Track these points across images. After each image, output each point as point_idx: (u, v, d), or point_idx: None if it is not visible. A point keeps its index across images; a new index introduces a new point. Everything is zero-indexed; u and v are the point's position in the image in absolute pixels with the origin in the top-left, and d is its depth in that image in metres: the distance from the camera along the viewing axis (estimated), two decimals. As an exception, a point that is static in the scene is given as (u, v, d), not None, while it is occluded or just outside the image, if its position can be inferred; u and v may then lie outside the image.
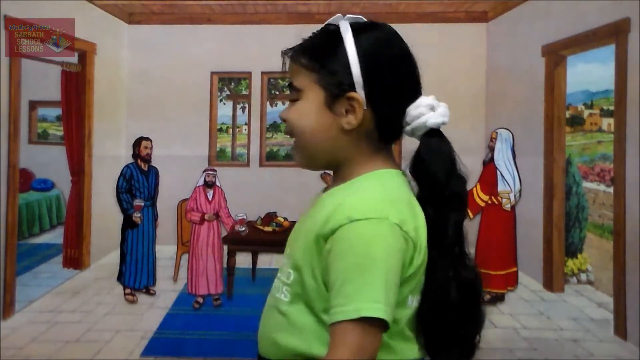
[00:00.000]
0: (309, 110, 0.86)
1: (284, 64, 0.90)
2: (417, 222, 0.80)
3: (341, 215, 0.77)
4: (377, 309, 0.72)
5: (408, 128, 0.86)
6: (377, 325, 0.73)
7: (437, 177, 0.83)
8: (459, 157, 0.87)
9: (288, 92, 0.90)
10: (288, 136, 0.90)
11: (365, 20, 0.89)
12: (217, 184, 3.24)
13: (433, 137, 0.85)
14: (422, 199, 0.84)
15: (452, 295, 0.81)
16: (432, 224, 0.82)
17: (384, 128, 0.86)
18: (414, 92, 0.87)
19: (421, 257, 0.80)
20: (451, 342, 0.83)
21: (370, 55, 0.84)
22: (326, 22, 0.89)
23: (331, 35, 0.86)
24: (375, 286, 0.73)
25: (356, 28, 0.86)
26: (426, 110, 0.85)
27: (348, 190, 0.84)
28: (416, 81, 0.88)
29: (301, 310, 0.82)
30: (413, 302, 0.82)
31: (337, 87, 0.85)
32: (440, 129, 0.85)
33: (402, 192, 0.84)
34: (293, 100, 0.88)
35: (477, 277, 0.85)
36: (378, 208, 0.78)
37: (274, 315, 0.86)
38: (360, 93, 0.84)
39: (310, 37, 0.89)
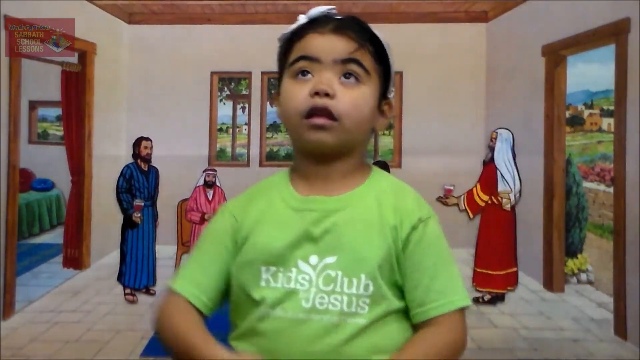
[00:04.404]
0: (369, 98, 0.85)
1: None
2: None
3: (415, 212, 0.84)
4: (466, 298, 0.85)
5: None
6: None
7: None
8: None
9: (337, 62, 0.83)
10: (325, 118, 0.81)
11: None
12: (217, 184, 3.24)
13: None
14: None
15: None
16: None
17: None
18: None
19: None
20: None
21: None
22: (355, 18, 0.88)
23: (379, 38, 0.88)
24: (457, 277, 0.86)
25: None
26: None
27: (385, 182, 0.88)
28: None
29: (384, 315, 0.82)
30: None
31: (386, 88, 0.89)
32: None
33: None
34: (347, 75, 0.83)
35: None
36: (428, 206, 0.87)
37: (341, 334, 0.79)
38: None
39: (363, 24, 0.87)
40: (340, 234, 0.81)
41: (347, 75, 0.83)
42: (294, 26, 0.88)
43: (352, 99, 0.82)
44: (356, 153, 0.87)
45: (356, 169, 0.87)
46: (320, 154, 0.84)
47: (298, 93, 0.83)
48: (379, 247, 0.81)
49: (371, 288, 0.79)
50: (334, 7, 0.87)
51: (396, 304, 0.82)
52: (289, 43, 0.88)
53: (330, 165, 0.85)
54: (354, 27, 0.85)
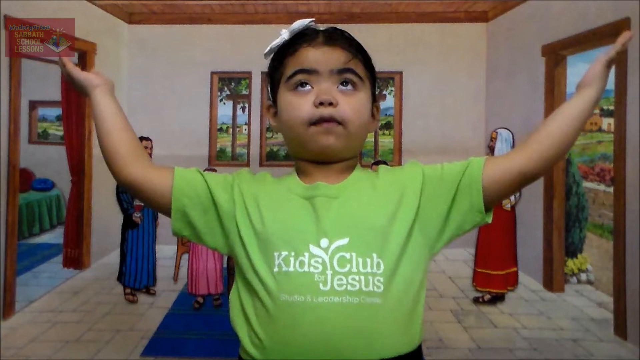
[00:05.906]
0: (366, 103, 0.90)
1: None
2: None
3: (407, 168, 0.93)
4: None
5: None
6: None
7: None
8: None
9: (334, 73, 0.87)
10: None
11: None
12: (217, 184, 3.23)
13: None
14: None
15: None
16: None
17: None
18: None
19: None
20: None
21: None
22: (336, 29, 0.92)
23: (364, 47, 0.93)
24: None
25: None
26: None
27: (363, 170, 0.95)
28: None
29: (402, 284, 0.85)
30: None
31: (374, 93, 0.94)
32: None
33: None
34: (345, 84, 0.88)
35: None
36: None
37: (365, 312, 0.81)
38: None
39: (348, 34, 0.92)
40: (347, 216, 0.84)
41: (343, 83, 0.87)
42: (277, 41, 0.93)
43: (353, 105, 0.87)
44: (354, 155, 0.93)
45: (350, 167, 0.92)
46: (324, 158, 0.89)
47: (301, 104, 0.86)
48: (387, 223, 0.84)
49: (382, 266, 0.81)
50: (313, 19, 0.92)
51: (409, 275, 0.85)
52: (279, 58, 0.92)
53: (332, 165, 0.90)
54: (343, 38, 0.90)
